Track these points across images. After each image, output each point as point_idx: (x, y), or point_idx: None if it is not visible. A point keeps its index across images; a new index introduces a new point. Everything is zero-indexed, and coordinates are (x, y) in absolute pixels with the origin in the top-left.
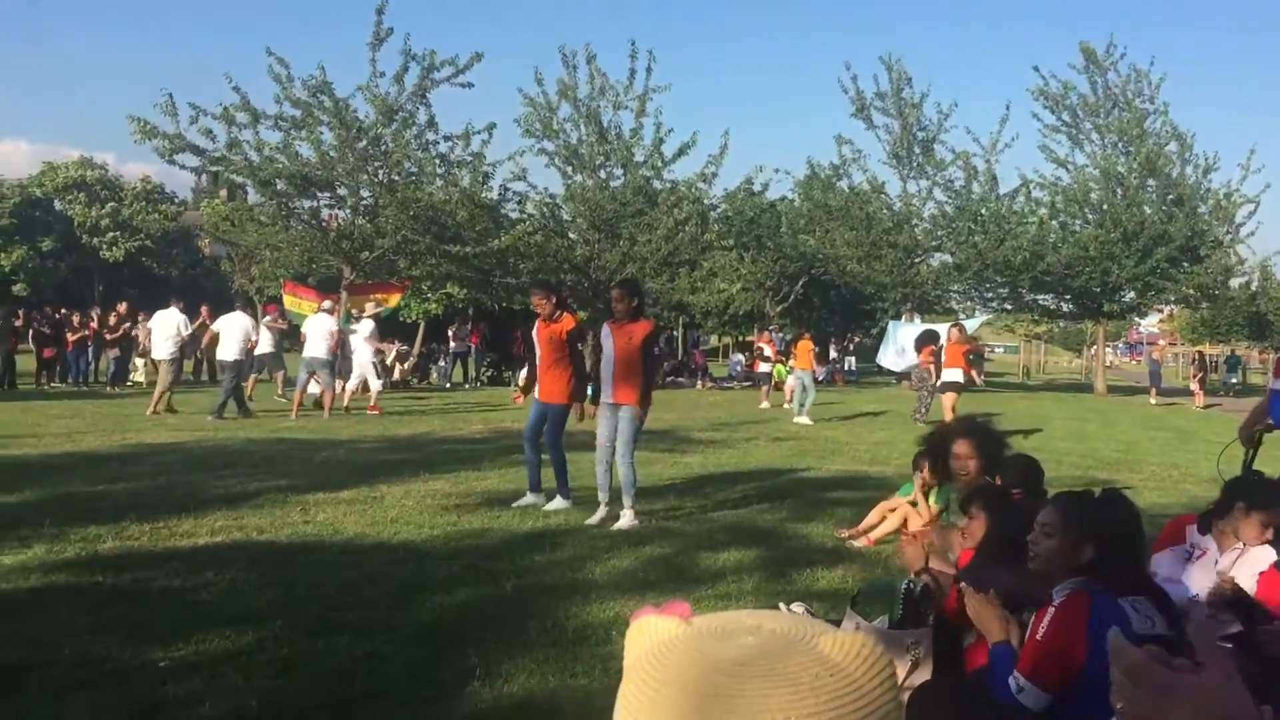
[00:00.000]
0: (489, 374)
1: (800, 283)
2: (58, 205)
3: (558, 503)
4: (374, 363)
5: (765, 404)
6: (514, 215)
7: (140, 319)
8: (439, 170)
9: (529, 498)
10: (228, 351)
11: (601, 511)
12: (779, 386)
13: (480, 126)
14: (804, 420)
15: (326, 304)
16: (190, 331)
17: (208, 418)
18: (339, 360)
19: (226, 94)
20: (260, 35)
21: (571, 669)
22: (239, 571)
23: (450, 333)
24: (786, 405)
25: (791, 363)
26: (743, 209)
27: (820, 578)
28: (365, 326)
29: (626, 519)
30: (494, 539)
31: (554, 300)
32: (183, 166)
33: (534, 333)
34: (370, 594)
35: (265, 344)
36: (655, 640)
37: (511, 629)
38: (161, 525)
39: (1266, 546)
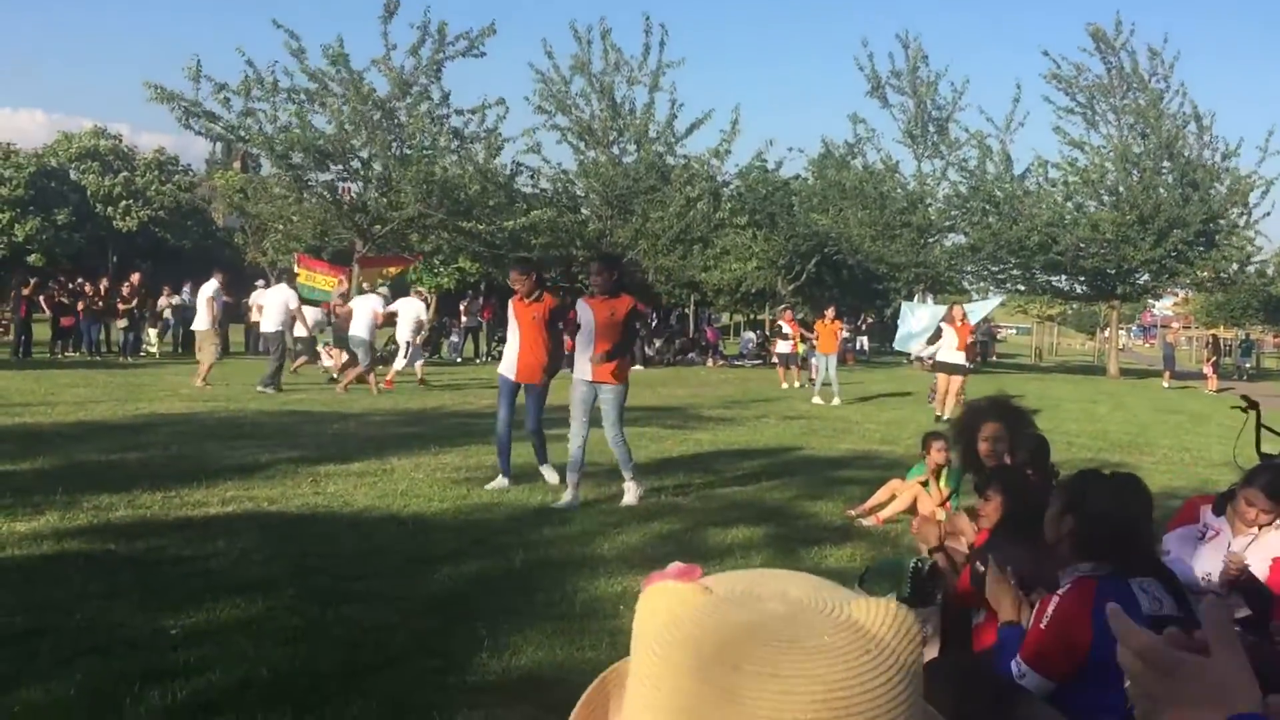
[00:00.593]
0: (500, 349)
1: (813, 261)
2: (73, 175)
3: (549, 475)
4: (408, 341)
5: (787, 384)
6: (527, 190)
7: (166, 291)
8: (453, 145)
9: (501, 481)
10: (270, 323)
11: (569, 495)
12: (804, 364)
13: (490, 101)
14: (818, 400)
15: (383, 287)
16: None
17: (257, 387)
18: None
19: (242, 67)
20: (274, 7)
21: (579, 642)
22: (250, 541)
23: (462, 307)
24: (784, 386)
25: (814, 342)
26: (756, 186)
27: (828, 555)
28: (407, 305)
29: (631, 493)
30: (503, 513)
31: (533, 278)
32: (198, 132)
33: (510, 311)
34: (380, 565)
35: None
36: (672, 610)
37: (520, 602)
38: (173, 494)
39: (1278, 531)
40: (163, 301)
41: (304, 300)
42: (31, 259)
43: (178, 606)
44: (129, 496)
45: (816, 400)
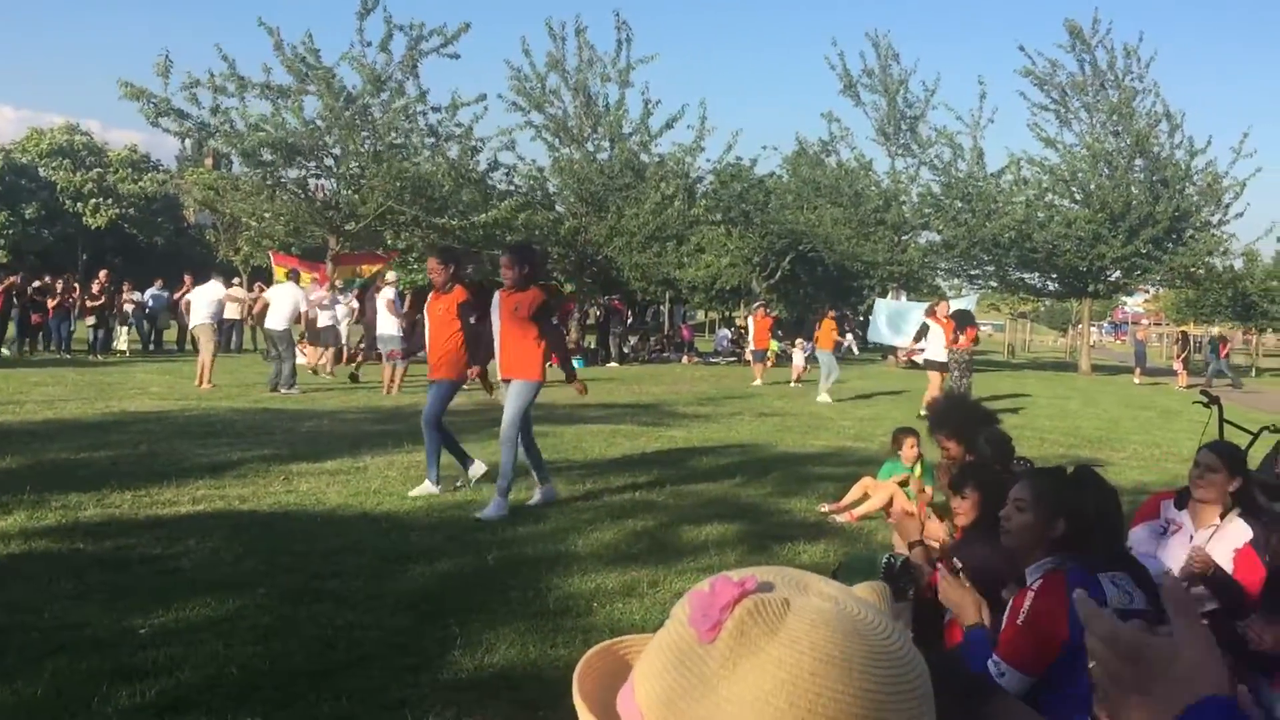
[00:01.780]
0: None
1: (788, 259)
2: (42, 172)
3: (423, 487)
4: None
5: (760, 381)
6: (502, 187)
7: (126, 287)
8: (426, 142)
9: (435, 484)
10: (276, 321)
11: (538, 493)
12: (774, 363)
13: (468, 99)
14: (825, 399)
15: (391, 276)
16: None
17: (281, 390)
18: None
19: (217, 63)
20: (250, 4)
21: (552, 639)
22: (221, 540)
23: None
24: (793, 384)
25: (814, 339)
26: (730, 183)
27: (802, 551)
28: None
29: (494, 507)
30: (476, 510)
31: (451, 269)
32: (167, 130)
33: (425, 305)
34: (352, 563)
35: (324, 319)
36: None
37: (493, 599)
38: (143, 493)
39: (1240, 522)
40: (125, 298)
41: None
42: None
43: (147, 606)
44: (98, 495)
45: (823, 398)
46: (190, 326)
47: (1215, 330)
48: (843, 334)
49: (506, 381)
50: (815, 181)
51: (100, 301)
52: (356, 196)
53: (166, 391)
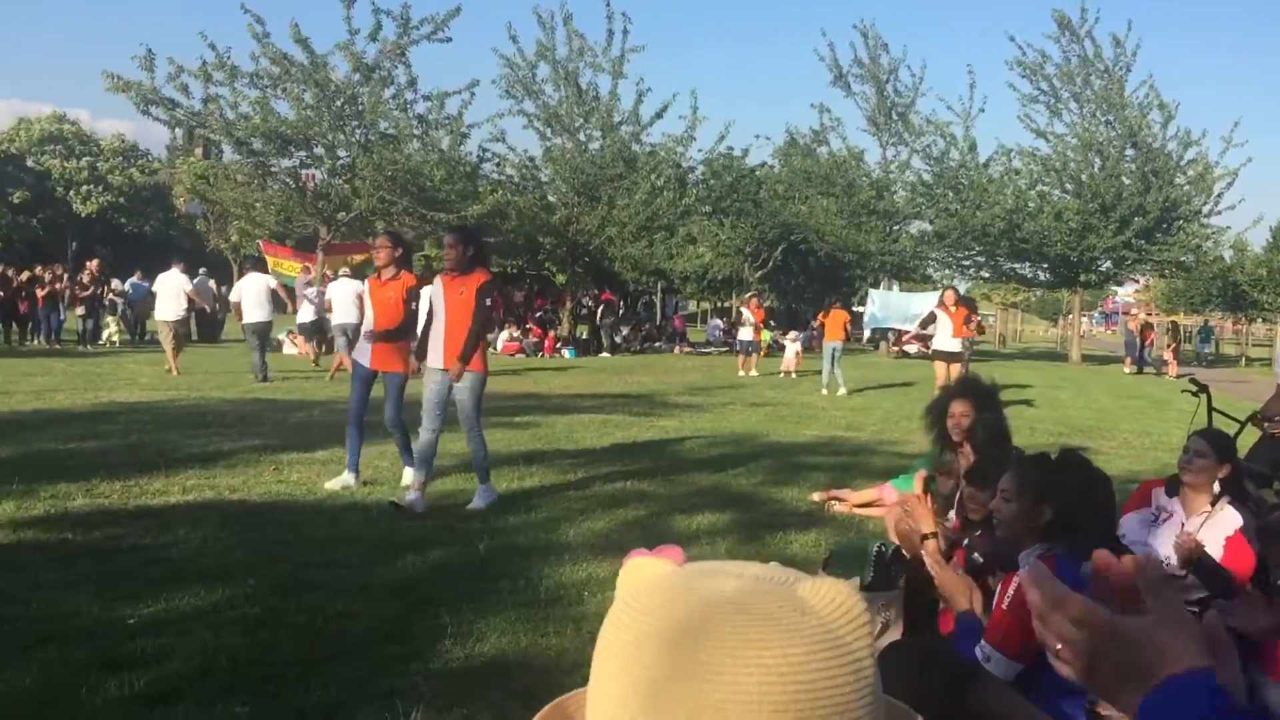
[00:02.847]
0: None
1: (780, 249)
2: (30, 162)
3: (407, 479)
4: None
5: (746, 372)
6: (493, 177)
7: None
8: (416, 131)
9: (346, 477)
10: (253, 314)
11: (411, 494)
12: (766, 354)
13: (457, 87)
14: (843, 391)
15: (345, 270)
16: (191, 290)
17: (256, 380)
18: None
19: (203, 52)
20: None
21: (543, 628)
22: (211, 530)
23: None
24: (785, 374)
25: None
26: (722, 174)
27: (793, 541)
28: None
29: (481, 496)
30: (466, 499)
31: (398, 253)
32: (156, 119)
33: (367, 291)
34: (342, 553)
35: (307, 313)
36: (644, 577)
37: (484, 589)
38: (133, 483)
39: (1230, 509)
40: (116, 286)
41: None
42: None
43: (136, 596)
44: (87, 485)
45: (841, 391)
46: (161, 320)
47: (1205, 320)
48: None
49: (445, 371)
50: (807, 172)
51: (90, 291)
52: (348, 187)
53: (156, 382)
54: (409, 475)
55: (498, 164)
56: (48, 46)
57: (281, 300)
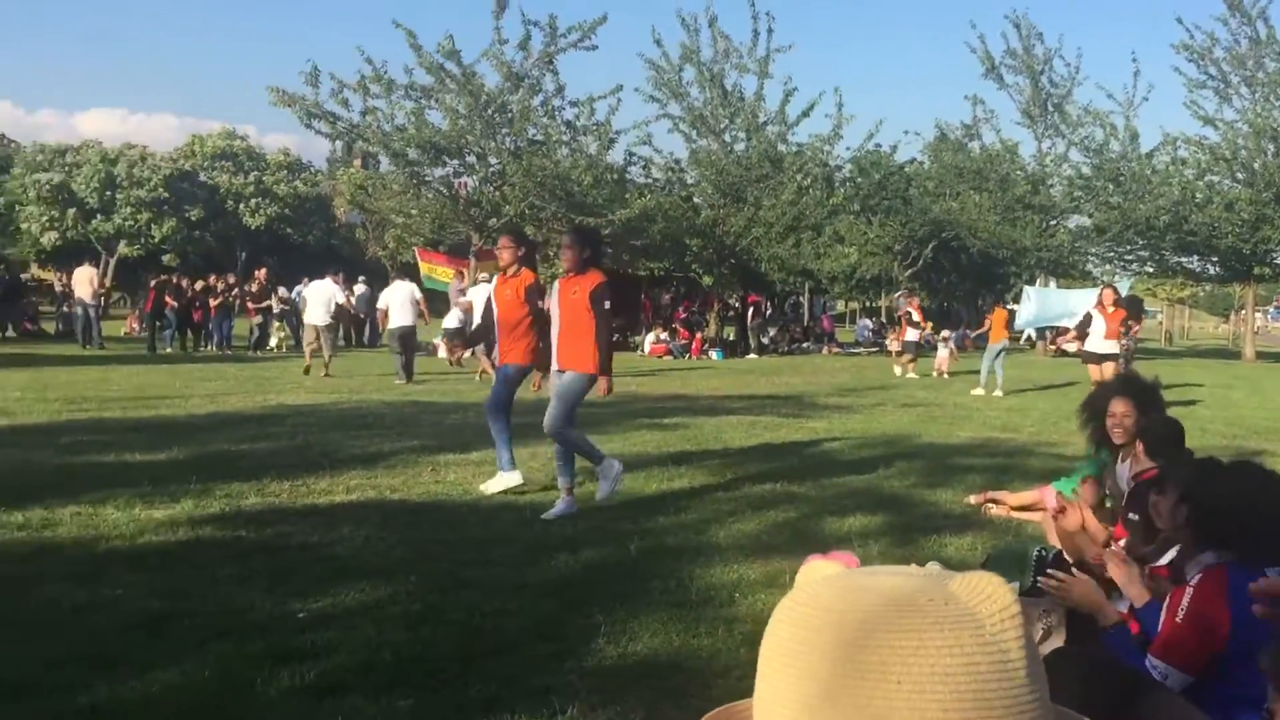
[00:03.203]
0: (615, 338)
1: (930, 246)
2: (203, 177)
3: (499, 480)
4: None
5: (904, 372)
6: (640, 180)
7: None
8: (564, 137)
9: (507, 477)
10: (398, 319)
11: (561, 505)
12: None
13: (603, 92)
14: (999, 392)
15: (484, 275)
16: (343, 299)
17: (395, 381)
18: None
19: (361, 66)
20: (390, 7)
21: (695, 629)
22: (373, 528)
23: None
24: (937, 374)
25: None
26: (869, 171)
27: (948, 544)
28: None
29: (562, 504)
30: (617, 500)
31: (520, 251)
32: (319, 132)
33: (492, 290)
34: (497, 552)
35: (454, 318)
36: (813, 578)
37: (635, 589)
38: (300, 483)
39: None
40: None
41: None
42: (166, 259)
43: (305, 591)
44: (259, 485)
45: (982, 391)
46: (308, 324)
47: None
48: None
49: (561, 372)
50: (958, 167)
51: (260, 300)
52: (498, 194)
53: (320, 385)
54: (500, 480)
55: (644, 167)
56: (219, 68)
57: (422, 310)
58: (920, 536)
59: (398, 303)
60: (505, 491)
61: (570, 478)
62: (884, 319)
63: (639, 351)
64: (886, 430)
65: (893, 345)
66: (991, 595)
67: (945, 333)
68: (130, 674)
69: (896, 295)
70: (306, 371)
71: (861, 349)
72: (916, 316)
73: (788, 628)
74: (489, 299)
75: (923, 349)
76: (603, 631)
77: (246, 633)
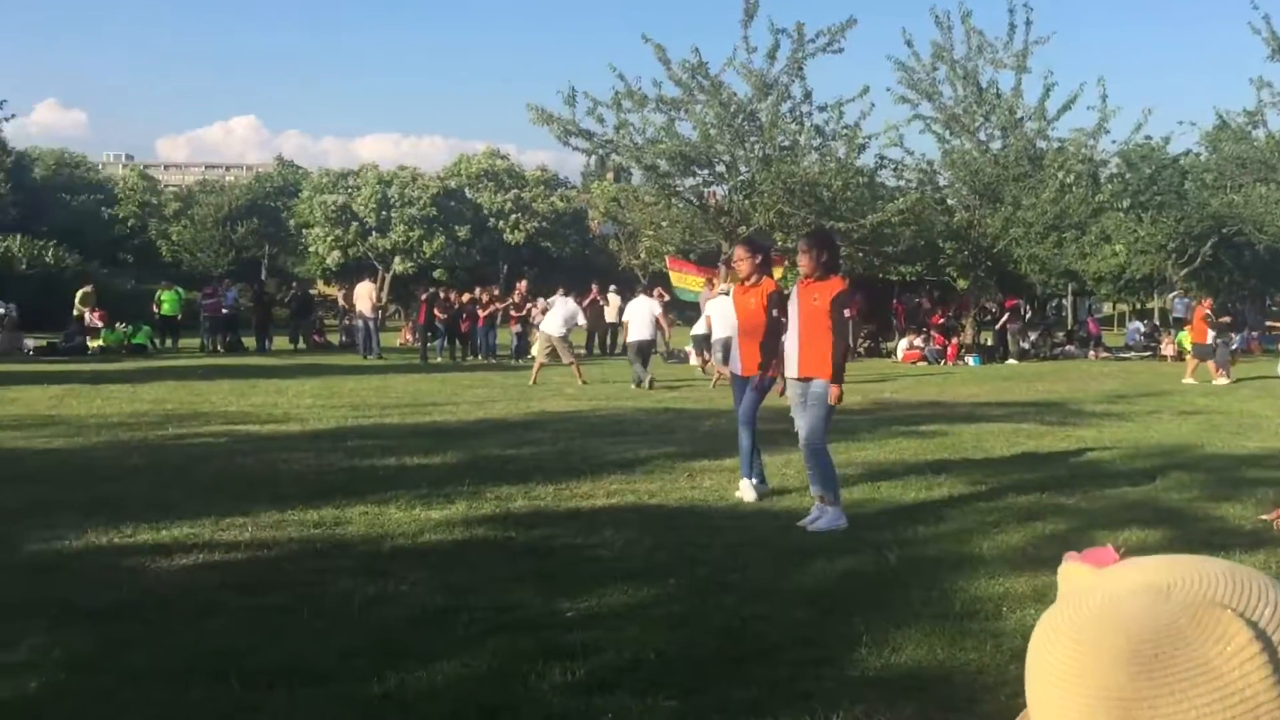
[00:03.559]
0: (866, 345)
1: (1209, 244)
2: (468, 194)
3: (745, 490)
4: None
5: (1214, 378)
6: (890, 184)
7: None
8: (814, 143)
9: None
10: (638, 333)
11: (820, 514)
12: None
13: (852, 95)
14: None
15: (723, 286)
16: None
17: (632, 386)
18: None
19: (613, 82)
20: (639, 23)
21: (960, 643)
22: (633, 532)
23: None
24: (1186, 380)
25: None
26: (1139, 165)
27: (1238, 562)
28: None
29: (826, 517)
30: (875, 509)
31: (757, 260)
32: (576, 148)
33: (730, 299)
34: (755, 557)
35: (701, 326)
36: (1066, 590)
37: (896, 598)
38: (563, 487)
39: None
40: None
41: (675, 299)
42: (436, 273)
43: (571, 591)
44: (526, 488)
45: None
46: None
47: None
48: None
49: (804, 381)
50: (1240, 157)
51: (521, 311)
52: (748, 202)
53: (579, 393)
54: (746, 492)
55: (895, 170)
56: (482, 88)
57: (660, 325)
58: (1204, 553)
59: (638, 317)
60: (759, 499)
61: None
62: (1156, 321)
63: (892, 358)
64: (1162, 440)
65: (1167, 349)
66: (1224, 635)
67: (1232, 335)
68: (417, 664)
69: (1171, 296)
70: (534, 383)
71: (1132, 353)
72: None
73: (1046, 655)
74: (725, 308)
75: (1216, 352)
76: (864, 640)
77: (519, 629)
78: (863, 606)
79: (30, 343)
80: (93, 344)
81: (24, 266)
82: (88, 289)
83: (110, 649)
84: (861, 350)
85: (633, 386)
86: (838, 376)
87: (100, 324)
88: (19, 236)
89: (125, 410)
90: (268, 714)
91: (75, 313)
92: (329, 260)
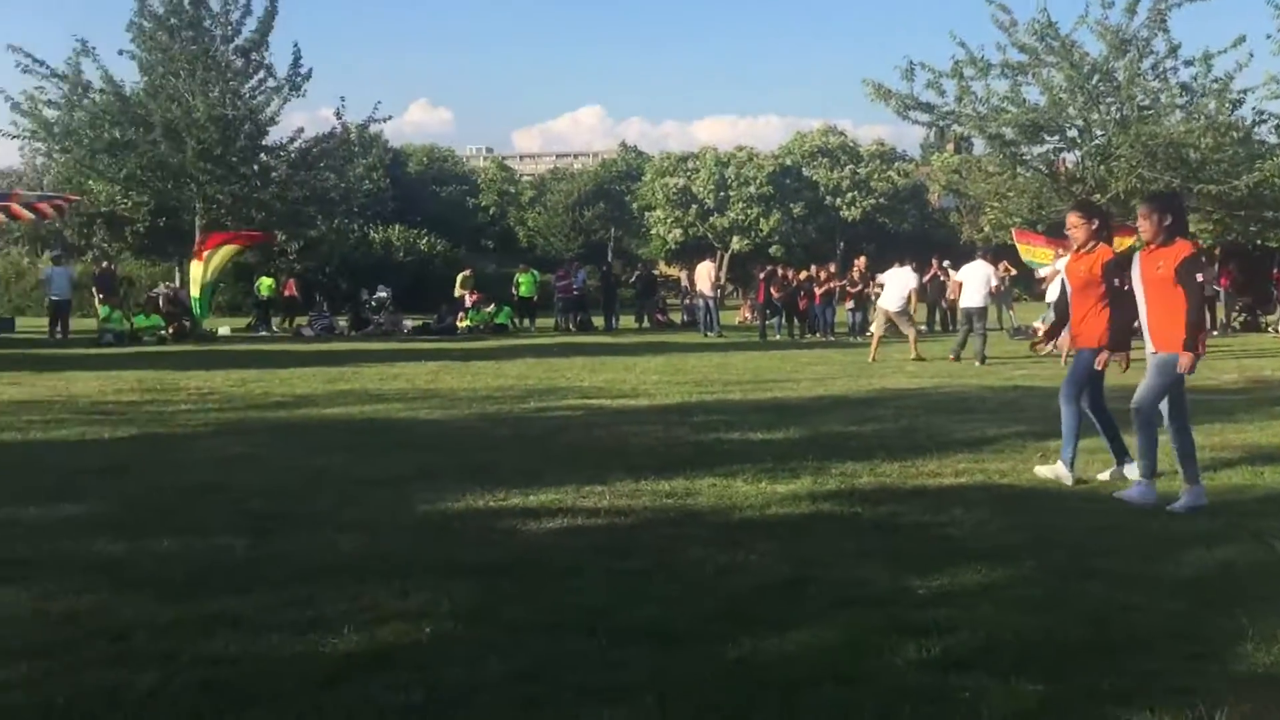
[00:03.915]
0: (1242, 319)
1: None
2: (805, 171)
3: (1129, 470)
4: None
5: None
6: (1271, 140)
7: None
8: (1179, 101)
9: (1125, 468)
10: (971, 299)
11: (1187, 496)
12: None
13: (1223, 46)
14: None
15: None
16: (919, 284)
17: (976, 363)
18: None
19: (954, 50)
20: None
21: None
22: (984, 512)
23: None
24: None
25: None
26: None
27: None
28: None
29: (1188, 495)
30: (1255, 495)
31: (1093, 225)
32: (916, 122)
33: (1064, 267)
34: (1117, 543)
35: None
36: None
37: None
38: (908, 464)
39: None
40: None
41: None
42: (772, 250)
43: (920, 568)
44: (870, 465)
45: None
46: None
47: None
48: None
49: (1156, 354)
50: None
51: (858, 288)
52: (1103, 168)
53: (919, 370)
54: (1128, 471)
55: (1278, 126)
56: (817, 63)
57: (992, 292)
58: None
59: (972, 282)
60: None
61: (1193, 467)
62: None
63: (1272, 332)
64: None
65: None
66: None
67: None
68: (768, 631)
69: None
70: (872, 360)
71: None
72: None
73: None
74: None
75: None
76: (1250, 635)
77: (868, 604)
78: (1246, 599)
79: (408, 323)
80: (461, 324)
81: (402, 255)
82: (467, 272)
83: (490, 603)
84: (1237, 325)
85: (949, 358)
86: (1190, 345)
87: (475, 305)
88: (396, 226)
89: (492, 385)
90: (635, 668)
91: (456, 294)
92: (669, 240)
